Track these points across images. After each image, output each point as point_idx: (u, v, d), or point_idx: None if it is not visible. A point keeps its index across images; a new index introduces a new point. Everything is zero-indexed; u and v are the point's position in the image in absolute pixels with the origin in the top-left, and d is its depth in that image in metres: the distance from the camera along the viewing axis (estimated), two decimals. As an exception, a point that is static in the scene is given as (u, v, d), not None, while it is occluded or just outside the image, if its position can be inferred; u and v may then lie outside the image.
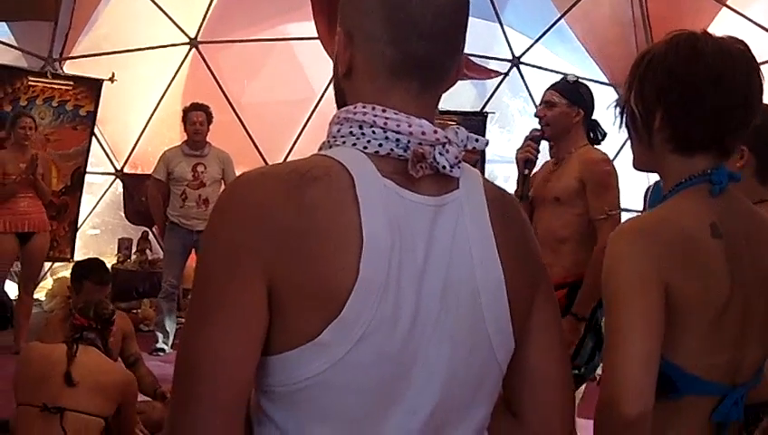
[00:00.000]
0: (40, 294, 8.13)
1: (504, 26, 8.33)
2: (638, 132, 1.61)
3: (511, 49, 8.38)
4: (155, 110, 8.50)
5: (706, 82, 1.51)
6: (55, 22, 7.54)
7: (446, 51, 1.17)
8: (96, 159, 8.46)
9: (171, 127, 7.91)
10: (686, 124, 1.54)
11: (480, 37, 8.36)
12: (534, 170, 3.78)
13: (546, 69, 8.16)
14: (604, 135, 3.68)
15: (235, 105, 8.44)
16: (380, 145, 1.12)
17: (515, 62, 8.38)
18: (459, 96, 8.66)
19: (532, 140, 3.77)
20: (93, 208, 8.69)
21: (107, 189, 8.76)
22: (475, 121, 8.23)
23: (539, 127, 3.76)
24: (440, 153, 1.13)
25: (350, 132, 1.15)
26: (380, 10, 1.14)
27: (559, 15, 8.01)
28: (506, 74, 8.38)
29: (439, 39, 1.15)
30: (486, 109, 8.51)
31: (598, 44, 8.11)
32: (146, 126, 8.53)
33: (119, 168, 8.66)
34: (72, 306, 4.47)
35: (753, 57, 1.56)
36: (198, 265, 1.11)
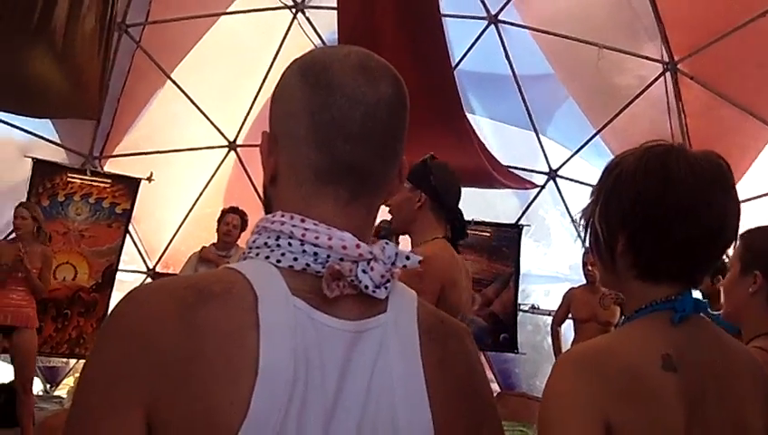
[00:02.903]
0: (62, 391, 8.02)
1: (542, 137, 8.34)
2: (600, 253, 1.47)
3: (548, 161, 8.36)
4: (190, 210, 8.58)
5: (676, 214, 1.36)
6: (98, 121, 7.69)
7: (378, 155, 1.05)
8: (129, 257, 8.48)
9: (206, 228, 7.91)
10: (651, 254, 1.40)
11: (517, 148, 8.37)
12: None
13: (583, 183, 8.11)
14: (463, 228, 3.10)
15: (270, 209, 8.45)
16: (295, 259, 1.00)
17: (552, 174, 8.35)
18: (496, 206, 8.62)
19: (376, 235, 3.24)
20: (123, 306, 8.62)
21: (137, 288, 8.72)
22: (510, 234, 8.14)
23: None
24: (363, 271, 0.99)
25: (266, 243, 1.02)
26: (304, 111, 1.03)
27: (595, 131, 8.00)
28: (543, 187, 8.32)
29: (369, 142, 1.03)
30: (523, 221, 8.43)
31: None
32: (180, 226, 8.59)
33: (151, 266, 8.68)
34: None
35: (731, 179, 1.41)
36: (77, 388, 0.98)
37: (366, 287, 1.00)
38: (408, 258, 1.04)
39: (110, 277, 7.82)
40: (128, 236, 8.06)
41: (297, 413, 0.93)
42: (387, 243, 1.03)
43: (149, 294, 0.99)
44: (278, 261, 1.00)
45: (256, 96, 8.42)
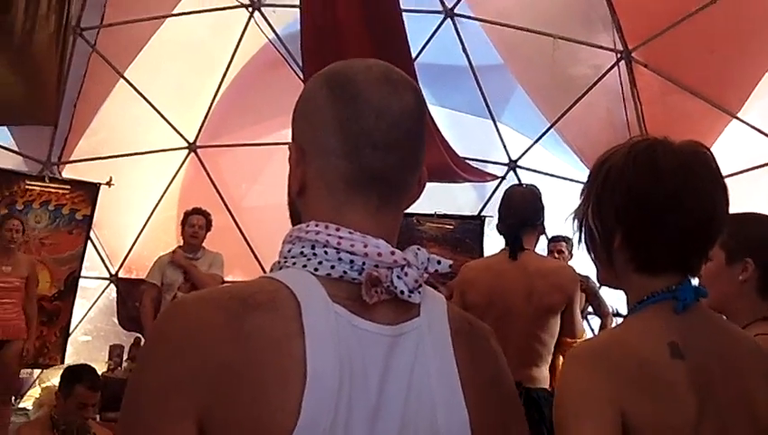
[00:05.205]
0: (27, 402, 7.89)
1: (500, 127, 8.37)
2: (596, 251, 1.52)
3: (507, 153, 8.42)
4: (151, 214, 8.49)
5: (667, 204, 1.42)
6: (55, 126, 7.58)
7: (403, 163, 1.10)
8: (91, 263, 8.36)
9: (167, 231, 7.86)
10: (648, 246, 1.45)
11: (476, 140, 8.41)
12: None
13: (543, 172, 8.18)
14: (515, 241, 3.76)
15: (232, 209, 8.42)
16: (333, 267, 1.04)
17: (512, 165, 8.41)
18: (457, 199, 8.66)
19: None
20: (86, 314, 8.53)
21: (100, 294, 8.63)
22: (473, 225, 8.19)
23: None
24: (398, 276, 1.04)
25: (301, 253, 1.06)
26: (333, 122, 1.08)
27: (552, 121, 8.05)
28: (504, 178, 8.38)
29: (395, 150, 1.09)
30: (485, 212, 8.48)
31: (591, 148, 8.13)
32: (142, 230, 8.50)
33: (113, 272, 8.57)
34: (54, 413, 4.34)
35: (717, 168, 1.47)
36: (126, 395, 1.00)
37: (401, 293, 1.04)
38: (439, 262, 1.08)
39: (72, 285, 7.72)
40: (89, 242, 7.97)
41: (344, 417, 0.97)
42: (419, 249, 1.08)
43: (194, 305, 1.02)
44: (315, 269, 1.04)
45: (215, 96, 8.36)
